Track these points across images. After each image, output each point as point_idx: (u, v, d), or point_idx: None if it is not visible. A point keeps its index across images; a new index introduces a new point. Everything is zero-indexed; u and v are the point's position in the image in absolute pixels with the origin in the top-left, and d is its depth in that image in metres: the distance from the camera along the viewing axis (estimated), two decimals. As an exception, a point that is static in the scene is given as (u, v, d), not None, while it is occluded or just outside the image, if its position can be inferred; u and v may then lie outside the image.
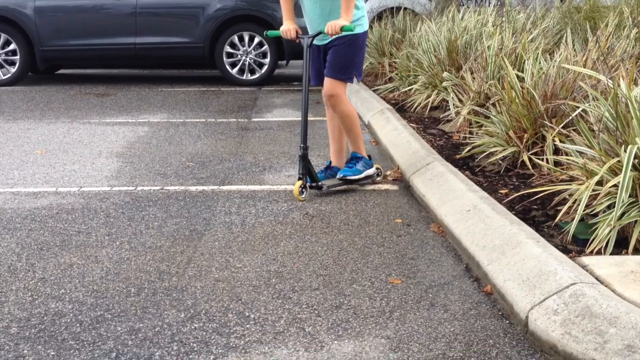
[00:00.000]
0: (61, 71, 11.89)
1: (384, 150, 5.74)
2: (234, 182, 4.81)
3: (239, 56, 10.08)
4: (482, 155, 4.84)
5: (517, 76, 4.88)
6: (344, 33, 4.28)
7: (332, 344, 2.52)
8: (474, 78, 5.94)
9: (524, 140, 4.50)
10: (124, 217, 4.01)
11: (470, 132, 5.50)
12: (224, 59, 10.07)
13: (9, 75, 10.06)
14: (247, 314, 2.76)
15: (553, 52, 5.29)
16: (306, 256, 3.39)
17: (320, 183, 4.43)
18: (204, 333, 2.60)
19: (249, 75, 10.15)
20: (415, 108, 6.96)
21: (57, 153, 5.71)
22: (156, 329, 2.63)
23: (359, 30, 4.40)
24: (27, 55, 10.00)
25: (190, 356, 2.43)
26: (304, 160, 4.35)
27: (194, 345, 2.51)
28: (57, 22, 9.89)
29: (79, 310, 2.79)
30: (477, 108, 5.42)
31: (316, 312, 2.78)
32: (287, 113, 7.77)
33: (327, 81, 4.47)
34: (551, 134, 4.38)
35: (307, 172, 4.36)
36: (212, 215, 4.06)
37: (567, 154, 3.90)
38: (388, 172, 4.99)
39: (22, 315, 2.75)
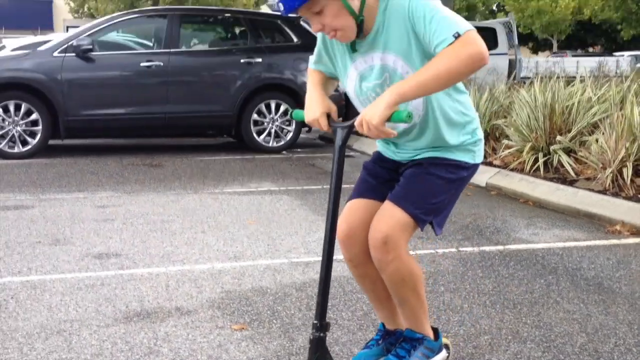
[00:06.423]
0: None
1: (562, 208, 6.27)
2: (510, 242, 5.14)
3: (265, 124, 10.24)
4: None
5: None
6: (388, 124, 2.39)
7: None
8: (605, 141, 6.67)
9: None
10: (516, 279, 4.27)
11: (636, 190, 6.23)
12: (252, 126, 10.18)
13: (29, 147, 9.49)
14: None
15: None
16: None
17: None
18: None
19: (274, 142, 10.33)
20: (520, 170, 7.60)
21: (266, 223, 5.72)
22: None
23: (469, 159, 2.67)
24: (49, 126, 9.53)
25: None
26: (318, 347, 2.57)
27: None
28: (85, 91, 9.55)
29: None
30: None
31: None
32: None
33: (388, 210, 2.61)
34: None
35: None
36: (563, 267, 4.40)
37: None
38: (617, 227, 5.54)
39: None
